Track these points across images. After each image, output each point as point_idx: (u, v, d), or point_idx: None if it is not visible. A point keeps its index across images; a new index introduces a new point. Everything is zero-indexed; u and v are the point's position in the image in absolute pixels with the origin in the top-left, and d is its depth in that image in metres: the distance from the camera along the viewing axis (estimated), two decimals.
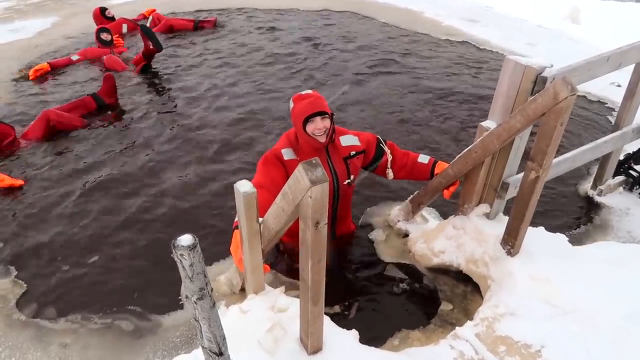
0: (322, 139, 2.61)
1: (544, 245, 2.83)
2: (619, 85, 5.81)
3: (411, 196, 3.39)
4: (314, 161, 1.60)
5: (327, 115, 2.58)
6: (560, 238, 2.92)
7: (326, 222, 1.71)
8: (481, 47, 7.55)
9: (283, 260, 3.18)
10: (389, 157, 2.95)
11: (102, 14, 7.81)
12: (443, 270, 3.12)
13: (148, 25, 8.29)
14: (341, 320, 2.76)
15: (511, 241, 2.72)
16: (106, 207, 3.85)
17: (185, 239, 1.42)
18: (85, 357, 2.66)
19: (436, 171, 2.98)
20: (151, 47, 6.32)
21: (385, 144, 2.97)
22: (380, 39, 7.89)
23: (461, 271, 3.02)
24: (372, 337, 2.57)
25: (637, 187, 3.90)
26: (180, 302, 2.95)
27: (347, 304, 2.95)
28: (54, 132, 4.92)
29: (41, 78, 6.36)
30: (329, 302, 2.84)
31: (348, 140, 2.85)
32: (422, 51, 7.36)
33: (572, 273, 2.64)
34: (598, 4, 9.15)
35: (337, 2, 9.78)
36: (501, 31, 8.28)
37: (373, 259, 3.29)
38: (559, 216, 3.76)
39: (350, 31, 8.27)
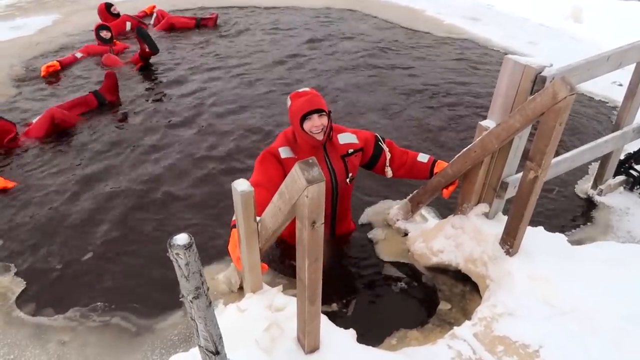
0: (320, 137, 2.60)
1: (543, 245, 2.82)
2: (620, 85, 5.79)
3: (410, 195, 3.38)
4: (310, 160, 1.60)
5: (324, 113, 2.58)
6: (560, 238, 2.92)
7: (323, 221, 1.70)
8: (482, 46, 7.54)
9: (282, 258, 3.18)
10: (388, 155, 2.94)
11: (107, 10, 7.79)
12: (442, 270, 3.12)
13: (152, 22, 8.31)
14: (339, 319, 2.75)
15: (510, 241, 2.72)
16: (105, 206, 3.84)
17: (181, 238, 1.41)
18: (83, 354, 2.66)
19: (435, 170, 2.98)
20: (147, 50, 6.41)
21: (384, 142, 2.96)
22: (380, 37, 7.87)
23: (460, 270, 3.02)
24: (370, 336, 2.56)
25: (638, 186, 3.89)
26: (179, 301, 2.95)
27: (345, 302, 2.95)
28: (56, 130, 4.92)
29: (46, 77, 6.35)
30: (327, 301, 2.86)
31: (346, 138, 2.84)
32: (422, 50, 7.35)
33: (571, 273, 2.63)
34: (600, 2, 9.11)
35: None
36: (503, 30, 8.26)
37: (372, 258, 3.29)
38: (558, 215, 3.75)
39: (351, 29, 8.26)
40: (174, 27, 8.13)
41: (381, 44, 7.55)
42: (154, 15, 8.43)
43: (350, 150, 2.82)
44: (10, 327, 2.81)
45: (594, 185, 3.93)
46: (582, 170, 4.21)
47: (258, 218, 2.18)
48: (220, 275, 3.06)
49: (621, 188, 3.96)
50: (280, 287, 2.56)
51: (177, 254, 1.41)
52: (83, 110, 5.29)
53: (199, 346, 1.71)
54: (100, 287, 3.11)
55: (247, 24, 8.49)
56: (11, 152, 4.62)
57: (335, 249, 3.23)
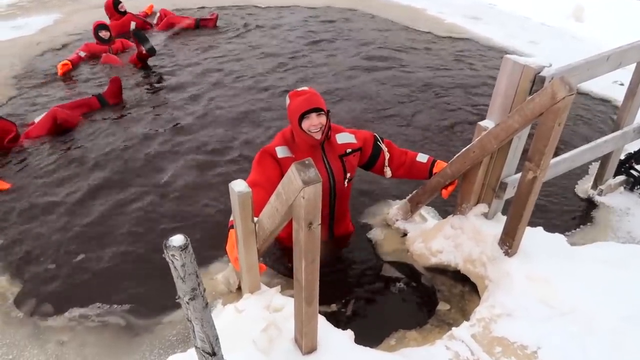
0: (318, 136, 2.59)
1: (542, 246, 2.82)
2: (621, 84, 5.77)
3: (410, 195, 3.38)
4: (306, 161, 1.60)
5: (323, 112, 2.57)
6: (559, 238, 2.91)
7: (319, 222, 1.70)
8: (483, 45, 7.53)
9: (280, 259, 3.18)
10: (387, 155, 2.93)
11: (114, 7, 7.73)
12: (441, 270, 3.11)
13: (155, 21, 8.30)
14: (338, 319, 2.76)
15: (509, 241, 2.71)
16: (104, 206, 3.84)
17: (177, 240, 1.41)
18: (82, 354, 2.66)
19: (435, 170, 2.97)
20: (144, 52, 6.43)
21: (383, 141, 2.96)
22: (381, 36, 7.86)
23: (459, 271, 3.01)
24: (369, 337, 2.56)
25: (638, 187, 3.88)
26: (177, 301, 2.95)
27: (343, 303, 2.95)
28: (58, 131, 4.93)
29: (46, 76, 6.36)
30: (325, 302, 2.86)
31: (344, 137, 2.83)
32: (423, 49, 7.34)
33: (570, 274, 2.62)
34: (602, 2, 9.08)
35: None
36: (504, 29, 8.25)
37: (371, 259, 3.29)
38: (558, 216, 3.75)
39: (352, 28, 8.24)
40: (173, 27, 8.11)
41: (381, 43, 7.54)
42: (157, 14, 8.42)
43: (349, 150, 2.81)
44: (8, 327, 2.81)
45: (594, 185, 3.92)
46: (582, 170, 4.20)
47: (256, 219, 2.18)
48: (219, 276, 3.06)
49: (621, 188, 3.94)
50: (278, 287, 2.55)
51: (173, 255, 1.40)
52: (84, 111, 5.30)
53: (196, 347, 1.71)
54: (99, 287, 3.11)
55: (247, 24, 8.47)
56: (11, 153, 4.62)
57: (334, 250, 3.22)
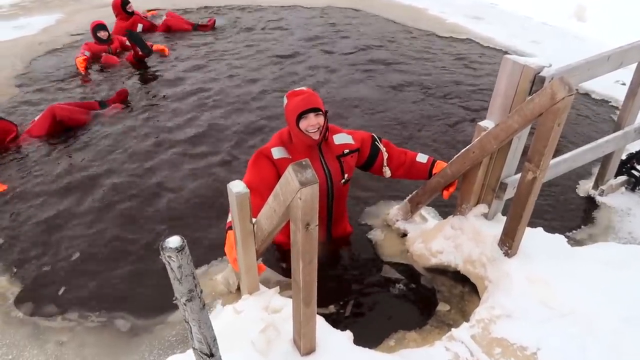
0: (316, 136, 2.58)
1: (542, 246, 2.80)
2: (623, 84, 5.75)
3: (410, 195, 3.37)
4: (304, 162, 1.59)
5: (320, 112, 2.55)
6: (559, 239, 2.89)
7: (317, 223, 1.69)
8: (485, 45, 7.51)
9: (279, 259, 3.17)
10: (385, 155, 2.92)
11: (122, 6, 7.68)
12: (441, 271, 3.11)
13: (161, 22, 8.30)
14: (337, 320, 2.75)
15: (508, 242, 2.70)
16: (103, 207, 3.85)
17: (173, 241, 1.41)
18: (81, 355, 2.67)
19: (434, 171, 2.96)
20: (140, 53, 6.55)
21: (380, 142, 2.95)
22: (382, 36, 7.86)
23: (459, 272, 3.00)
24: (368, 338, 2.55)
25: (639, 187, 3.86)
26: (174, 302, 2.95)
27: (343, 304, 2.94)
28: (60, 129, 4.93)
29: (48, 77, 6.37)
30: (325, 303, 2.86)
31: (341, 138, 2.82)
32: (424, 49, 7.33)
33: (570, 274, 2.61)
34: (604, 1, 9.05)
35: None
36: (506, 29, 8.24)
37: (371, 259, 3.28)
38: (559, 216, 3.73)
39: (353, 28, 8.24)
40: (170, 30, 8.09)
41: (383, 43, 7.53)
42: (163, 17, 8.39)
43: (346, 151, 2.80)
44: (8, 327, 2.82)
45: (595, 186, 3.91)
46: (583, 171, 4.18)
47: (254, 219, 2.18)
48: (218, 276, 3.06)
49: (623, 188, 3.93)
50: (277, 288, 2.55)
51: (170, 256, 1.40)
52: (84, 112, 5.25)
53: (194, 348, 1.71)
54: (99, 287, 3.12)
55: (249, 23, 8.48)
56: (10, 153, 4.63)
57: (333, 251, 3.22)
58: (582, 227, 3.61)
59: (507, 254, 2.74)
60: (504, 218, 2.80)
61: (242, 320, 2.30)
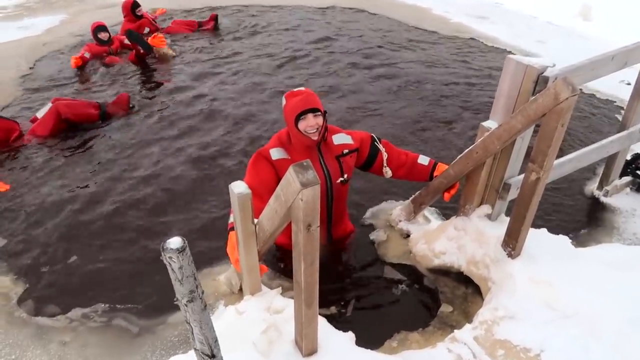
0: (315, 137, 2.56)
1: (546, 247, 2.78)
2: (628, 83, 5.72)
3: (413, 196, 3.36)
4: (304, 163, 1.59)
5: (319, 113, 2.54)
6: (563, 240, 2.88)
7: (318, 224, 1.69)
8: (489, 45, 7.49)
9: (281, 260, 3.16)
10: (385, 155, 2.90)
11: (132, 10, 7.63)
12: (444, 272, 3.09)
13: (166, 27, 8.30)
14: (339, 321, 2.74)
15: (512, 243, 2.69)
16: (106, 207, 3.85)
17: (174, 242, 1.41)
18: (84, 355, 2.67)
19: (435, 173, 2.94)
20: (141, 51, 6.67)
21: (380, 142, 2.93)
22: (386, 36, 7.84)
23: (462, 273, 2.99)
24: (370, 339, 2.55)
25: None
26: (176, 303, 2.95)
27: (345, 304, 2.93)
28: (64, 127, 4.94)
29: (52, 77, 6.41)
30: (327, 304, 2.85)
31: (340, 138, 2.81)
32: (428, 49, 7.31)
33: (573, 276, 2.59)
34: (609, 0, 9.01)
35: None
36: (510, 28, 8.21)
37: (373, 260, 3.27)
38: (563, 217, 3.71)
39: (356, 28, 8.23)
40: (170, 32, 8.08)
41: (385, 43, 7.51)
42: (169, 23, 8.39)
43: (345, 151, 2.79)
44: (12, 327, 2.83)
45: (600, 186, 3.88)
46: (588, 171, 4.16)
47: (256, 220, 2.18)
48: (221, 277, 3.06)
49: (627, 189, 3.91)
50: (279, 289, 2.55)
51: (170, 257, 1.40)
52: (85, 112, 5.16)
53: (195, 349, 1.71)
54: (102, 287, 3.12)
55: (251, 23, 8.48)
56: (13, 152, 4.64)
57: (335, 251, 3.21)
58: (587, 228, 3.59)
59: (510, 255, 2.72)
60: (508, 219, 2.78)
61: (244, 321, 2.30)
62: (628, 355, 2.22)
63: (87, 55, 6.75)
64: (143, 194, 4.00)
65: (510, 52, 6.80)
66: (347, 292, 3.03)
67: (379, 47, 7.34)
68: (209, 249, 3.34)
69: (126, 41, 7.03)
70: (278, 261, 3.16)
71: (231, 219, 2.35)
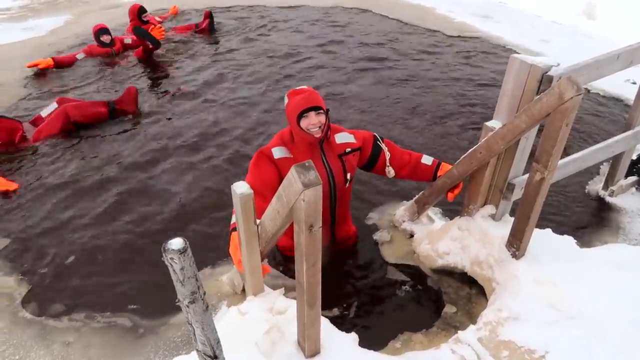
0: (317, 134, 2.55)
1: (551, 248, 2.77)
2: (634, 82, 5.68)
3: (416, 196, 3.35)
4: (307, 164, 1.58)
5: (322, 111, 2.53)
6: (568, 240, 2.85)
7: (320, 225, 1.68)
8: (493, 44, 7.45)
9: (284, 260, 3.16)
10: (387, 155, 2.89)
11: (138, 15, 7.54)
12: (448, 272, 3.08)
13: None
14: (342, 322, 2.74)
15: (516, 243, 2.67)
16: (111, 207, 3.86)
17: (176, 243, 1.40)
18: (87, 355, 2.67)
19: (439, 174, 2.93)
20: (150, 46, 6.71)
21: (383, 141, 2.92)
22: (389, 36, 7.83)
23: (466, 273, 2.97)
24: (374, 340, 2.54)
25: None
26: (177, 304, 2.95)
27: (348, 305, 2.92)
28: (72, 128, 4.95)
29: (55, 77, 6.41)
30: (329, 304, 2.84)
31: (343, 137, 2.79)
32: (432, 48, 7.28)
33: (578, 276, 2.57)
34: None
35: None
36: (514, 28, 8.17)
37: (377, 260, 3.26)
38: (568, 217, 3.69)
39: (360, 28, 8.21)
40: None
41: (389, 42, 7.50)
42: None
43: (348, 150, 2.77)
44: (16, 328, 2.84)
45: (605, 186, 3.86)
46: (593, 171, 4.13)
47: (258, 221, 2.17)
48: (224, 277, 3.06)
49: (633, 189, 3.88)
50: (282, 289, 2.54)
51: (172, 258, 1.39)
52: (93, 112, 5.18)
53: (197, 350, 1.70)
54: (105, 288, 3.12)
55: (255, 24, 8.48)
56: (21, 152, 4.66)
57: (339, 252, 3.19)
58: (592, 228, 3.57)
59: (514, 256, 2.71)
60: (512, 219, 2.76)
61: (247, 321, 2.30)
62: (632, 356, 2.21)
63: (79, 56, 6.80)
64: (147, 196, 4.00)
65: (514, 52, 6.76)
66: (350, 293, 3.02)
67: (383, 46, 7.33)
68: (211, 248, 3.33)
69: (126, 41, 7.06)
70: (281, 261, 3.15)
71: (233, 220, 2.35)
